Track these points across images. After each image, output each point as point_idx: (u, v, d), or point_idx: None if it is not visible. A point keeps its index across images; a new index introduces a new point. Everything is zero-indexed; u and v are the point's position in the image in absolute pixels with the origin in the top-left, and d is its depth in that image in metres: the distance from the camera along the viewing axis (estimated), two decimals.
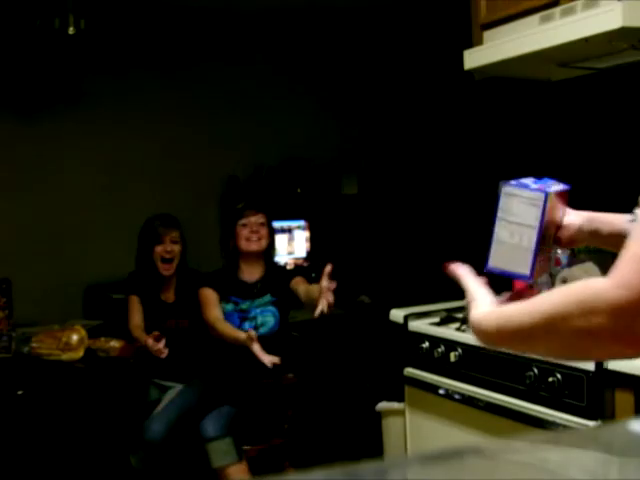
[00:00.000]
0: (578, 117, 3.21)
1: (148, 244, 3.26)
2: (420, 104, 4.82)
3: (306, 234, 4.73)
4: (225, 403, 2.90)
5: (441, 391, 2.30)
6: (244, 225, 3.05)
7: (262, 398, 2.98)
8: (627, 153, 2.90)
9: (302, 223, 4.72)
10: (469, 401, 2.19)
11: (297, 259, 4.69)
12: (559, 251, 2.22)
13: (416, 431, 2.48)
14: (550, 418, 1.90)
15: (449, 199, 4.58)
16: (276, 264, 3.34)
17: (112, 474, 3.03)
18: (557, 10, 2.19)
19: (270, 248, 3.15)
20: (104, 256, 4.31)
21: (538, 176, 1.26)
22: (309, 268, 4.57)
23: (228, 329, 2.94)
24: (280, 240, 4.43)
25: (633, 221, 1.02)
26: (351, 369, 4.04)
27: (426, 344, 2.37)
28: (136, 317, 3.22)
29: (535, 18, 2.28)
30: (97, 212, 4.36)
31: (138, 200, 4.46)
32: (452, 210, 4.51)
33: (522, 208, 1.17)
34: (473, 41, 2.56)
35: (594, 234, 1.23)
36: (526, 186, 1.18)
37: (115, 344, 3.20)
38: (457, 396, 2.24)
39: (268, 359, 2.73)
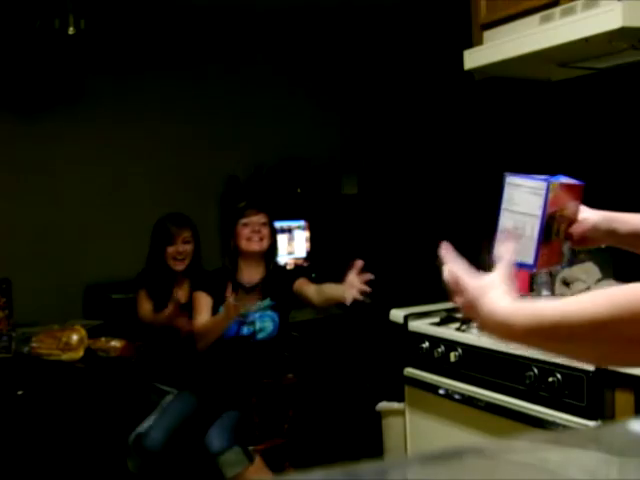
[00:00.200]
0: (578, 117, 3.21)
1: (160, 244, 3.21)
2: (420, 104, 4.82)
3: (306, 234, 4.73)
4: (226, 406, 2.89)
5: (441, 391, 2.30)
6: (245, 225, 2.98)
7: (262, 398, 2.97)
8: (627, 153, 2.90)
9: (302, 223, 4.72)
10: (469, 401, 2.19)
11: (297, 259, 4.69)
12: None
13: (416, 431, 2.48)
14: (550, 418, 1.90)
15: (449, 199, 4.58)
16: (277, 265, 3.27)
17: (112, 474, 3.02)
18: (557, 10, 2.19)
19: (272, 249, 3.08)
20: (104, 256, 4.31)
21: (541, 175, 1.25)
22: (309, 268, 4.57)
23: (210, 321, 2.90)
24: (280, 240, 4.44)
25: None
26: (351, 369, 4.04)
27: (426, 344, 2.37)
28: (145, 305, 3.19)
29: (535, 18, 2.28)
30: (97, 212, 4.36)
31: (138, 200, 4.46)
32: (452, 210, 4.51)
33: (525, 197, 1.17)
34: (473, 41, 2.55)
35: (611, 233, 1.22)
36: (530, 177, 1.19)
37: (116, 344, 3.20)
38: (457, 396, 2.24)
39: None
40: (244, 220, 2.99)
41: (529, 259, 1.20)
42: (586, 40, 2.05)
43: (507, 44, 2.32)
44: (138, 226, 4.37)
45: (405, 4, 4.23)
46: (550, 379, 1.89)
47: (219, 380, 2.95)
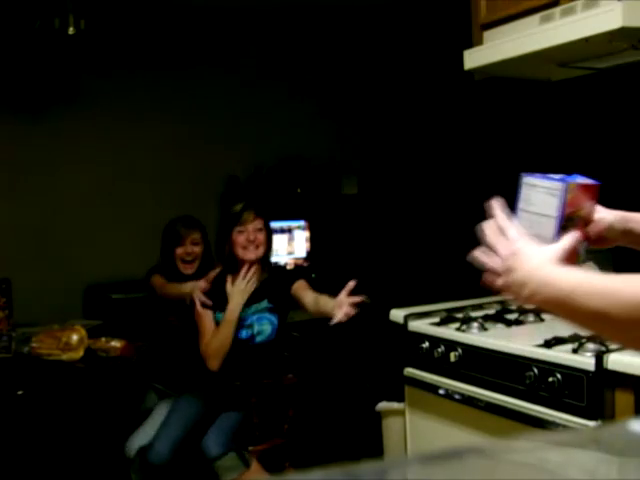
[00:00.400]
0: (578, 117, 3.21)
1: (169, 245, 3.25)
2: (420, 104, 4.82)
3: (306, 234, 4.73)
4: (225, 407, 2.88)
5: (441, 391, 2.30)
6: (241, 232, 2.93)
7: (262, 398, 2.97)
8: (627, 153, 2.90)
9: (302, 223, 4.72)
10: (469, 401, 2.19)
11: (297, 259, 4.69)
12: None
13: (416, 431, 2.48)
14: (550, 418, 1.90)
15: (449, 199, 4.58)
16: (274, 267, 3.24)
17: (111, 473, 3.02)
18: (557, 10, 2.19)
19: (267, 253, 3.04)
20: (104, 256, 4.31)
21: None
22: (309, 268, 4.57)
23: (218, 330, 2.89)
24: (280, 240, 4.44)
25: None
26: (351, 369, 4.04)
27: (426, 344, 2.37)
28: (161, 280, 3.19)
29: (535, 18, 2.28)
30: (97, 212, 4.36)
31: (138, 200, 4.46)
32: (452, 210, 4.51)
33: (542, 198, 1.16)
34: (473, 41, 2.55)
35: (627, 233, 1.22)
36: (547, 177, 1.17)
37: (116, 344, 3.20)
38: (457, 396, 2.24)
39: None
40: (239, 228, 2.94)
41: None
42: (586, 40, 2.05)
43: (507, 44, 2.32)
44: (138, 226, 4.38)
45: (405, 4, 4.23)
46: (550, 379, 1.89)
47: (218, 383, 2.94)
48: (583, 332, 2.00)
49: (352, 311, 2.53)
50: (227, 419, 2.84)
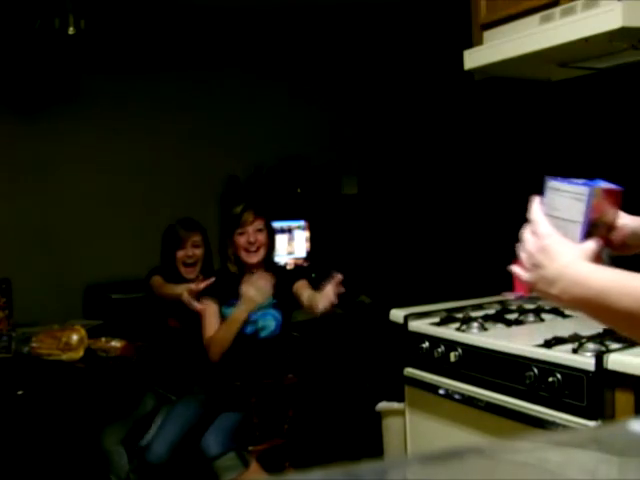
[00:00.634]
0: (578, 117, 3.21)
1: (170, 249, 3.22)
2: (420, 104, 4.82)
3: (306, 234, 4.73)
4: (225, 406, 2.89)
5: (441, 391, 2.30)
6: (242, 234, 2.99)
7: (262, 398, 2.97)
8: (627, 153, 2.90)
9: (302, 223, 4.72)
10: (469, 401, 2.19)
11: (297, 259, 4.70)
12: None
13: (416, 431, 2.48)
14: (550, 418, 1.90)
15: (449, 199, 4.58)
16: (277, 266, 3.28)
17: (111, 473, 3.02)
18: (557, 10, 2.19)
19: (270, 253, 3.09)
20: (104, 256, 4.31)
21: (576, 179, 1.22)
22: (309, 268, 4.57)
23: (224, 324, 2.91)
24: (280, 240, 4.44)
25: None
26: (351, 369, 4.04)
27: (426, 344, 2.37)
28: (160, 280, 3.17)
29: (535, 18, 2.28)
30: (97, 212, 4.36)
31: (138, 200, 4.46)
32: (452, 210, 4.51)
33: (567, 203, 1.13)
34: (473, 41, 2.55)
35: None
36: (571, 181, 1.15)
37: (116, 344, 3.20)
38: (457, 396, 2.24)
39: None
40: (240, 230, 3.00)
41: None
42: (586, 40, 2.05)
43: (507, 44, 2.32)
44: (138, 226, 4.39)
45: (405, 4, 4.23)
46: (550, 379, 1.89)
47: (221, 380, 2.95)
48: (583, 333, 2.00)
49: (335, 300, 2.66)
50: (227, 419, 2.85)
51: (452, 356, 2.25)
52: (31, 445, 2.98)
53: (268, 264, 3.07)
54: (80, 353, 3.12)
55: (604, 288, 0.96)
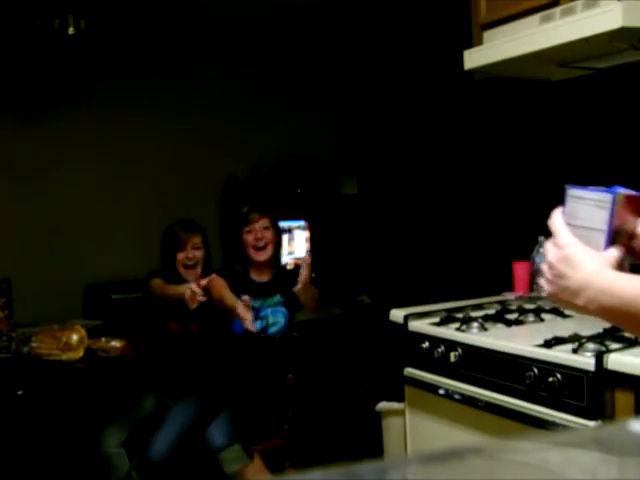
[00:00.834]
0: (578, 117, 3.21)
1: (169, 251, 3.15)
2: (420, 104, 4.81)
3: (306, 234, 4.73)
4: (227, 405, 2.89)
5: (441, 391, 2.30)
6: (249, 232, 3.03)
7: (263, 398, 2.97)
8: (627, 153, 2.90)
9: (302, 223, 4.72)
10: (469, 401, 2.19)
11: (297, 259, 4.69)
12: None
13: (416, 431, 2.48)
14: (550, 418, 1.90)
15: (449, 199, 4.58)
16: (283, 266, 3.32)
17: (111, 473, 3.02)
18: (557, 10, 2.19)
19: (277, 252, 3.13)
20: (104, 256, 4.31)
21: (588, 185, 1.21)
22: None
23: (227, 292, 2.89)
24: None
25: None
26: (351, 369, 4.04)
27: (426, 344, 2.37)
28: (159, 282, 3.10)
29: (535, 18, 2.28)
30: (97, 212, 4.36)
31: (138, 200, 4.46)
32: (452, 210, 4.51)
33: (589, 211, 1.10)
34: (473, 41, 2.56)
35: None
36: (591, 189, 1.13)
37: (116, 344, 3.20)
38: (457, 396, 2.24)
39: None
40: (247, 227, 3.03)
41: None
42: (586, 40, 2.05)
43: (507, 44, 2.32)
44: (138, 226, 4.39)
45: (405, 4, 4.23)
46: (550, 379, 1.89)
47: (226, 376, 2.96)
48: (583, 333, 2.00)
49: (307, 280, 2.89)
50: (230, 415, 2.86)
51: (452, 356, 2.25)
52: (31, 445, 2.98)
53: (276, 263, 3.11)
54: (80, 353, 3.12)
55: (634, 296, 0.94)
